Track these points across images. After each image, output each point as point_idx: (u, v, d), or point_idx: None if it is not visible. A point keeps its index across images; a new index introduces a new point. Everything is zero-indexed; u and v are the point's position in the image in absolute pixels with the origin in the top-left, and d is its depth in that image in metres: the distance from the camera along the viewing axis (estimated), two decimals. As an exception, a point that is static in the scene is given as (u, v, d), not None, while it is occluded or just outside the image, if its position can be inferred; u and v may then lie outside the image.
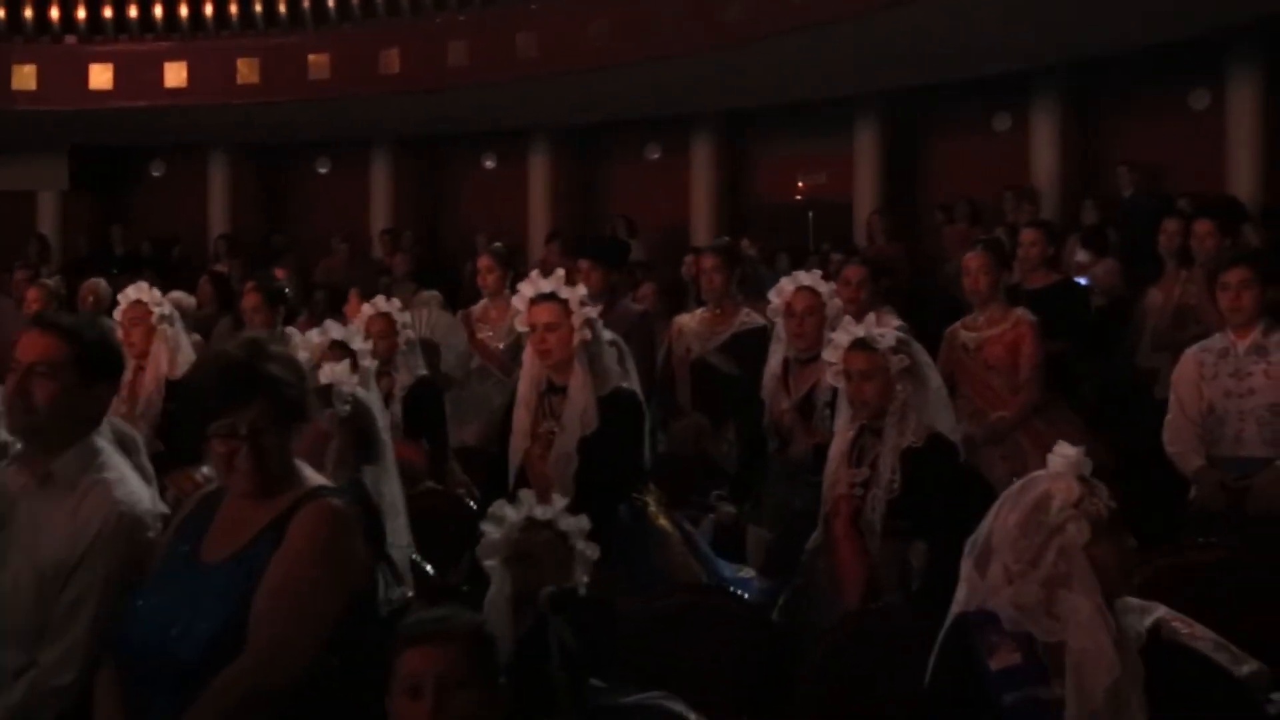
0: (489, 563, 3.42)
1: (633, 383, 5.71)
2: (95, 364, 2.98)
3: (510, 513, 3.42)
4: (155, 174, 16.04)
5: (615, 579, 4.39)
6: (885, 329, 4.25)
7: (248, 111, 12.95)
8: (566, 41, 11.66)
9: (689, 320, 6.69)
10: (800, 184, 14.85)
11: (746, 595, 4.46)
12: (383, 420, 4.08)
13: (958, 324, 6.07)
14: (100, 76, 12.32)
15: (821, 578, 4.13)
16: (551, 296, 4.61)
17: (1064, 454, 2.65)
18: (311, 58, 12.22)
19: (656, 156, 15.19)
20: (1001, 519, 2.65)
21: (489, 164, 15.77)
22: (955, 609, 2.68)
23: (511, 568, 3.39)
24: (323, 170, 16.04)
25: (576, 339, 4.56)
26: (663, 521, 4.70)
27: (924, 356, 4.20)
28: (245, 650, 2.60)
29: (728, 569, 4.87)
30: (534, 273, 4.76)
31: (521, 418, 4.65)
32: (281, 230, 15.27)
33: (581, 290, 4.66)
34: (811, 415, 5.11)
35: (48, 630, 2.83)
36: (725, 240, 7.18)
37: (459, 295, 10.07)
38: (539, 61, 11.72)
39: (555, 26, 11.80)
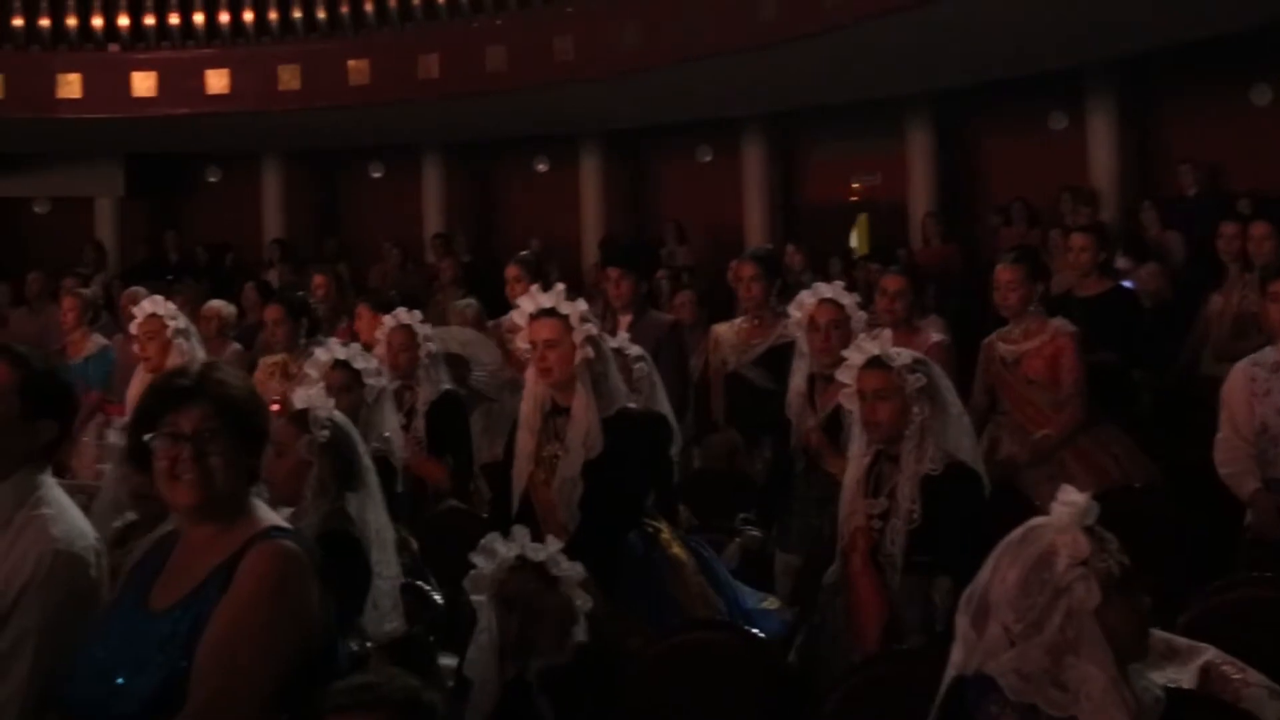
0: (476, 598, 3.23)
1: (657, 400, 5.54)
2: (40, 396, 2.82)
3: (501, 548, 3.23)
4: (211, 180, 16.06)
5: (623, 612, 4.20)
6: (901, 348, 4.01)
7: (292, 118, 12.88)
8: (603, 44, 11.47)
9: (726, 330, 6.48)
10: (854, 185, 14.56)
11: (767, 629, 4.24)
12: (364, 445, 3.88)
13: (994, 336, 5.80)
14: (143, 84, 12.30)
15: (839, 616, 3.89)
16: (551, 312, 4.41)
17: (1069, 501, 2.38)
18: (351, 63, 12.12)
19: (708, 159, 14.95)
20: (1000, 573, 2.40)
21: (541, 168, 15.61)
22: (952, 670, 2.43)
23: (498, 609, 3.21)
24: (376, 175, 15.97)
25: (578, 357, 4.35)
26: (676, 549, 4.49)
27: (944, 379, 3.95)
28: (184, 709, 2.42)
29: (751, 599, 4.65)
30: (533, 288, 4.55)
31: (524, 441, 4.46)
32: (335, 236, 15.21)
33: (582, 305, 4.45)
34: (839, 435, 4.88)
35: None
36: (765, 248, 6.97)
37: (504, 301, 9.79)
38: (576, 65, 11.54)
39: (591, 29, 11.62)
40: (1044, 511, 4.06)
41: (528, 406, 4.50)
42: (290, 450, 3.63)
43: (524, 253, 7.80)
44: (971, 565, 3.33)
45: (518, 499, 4.44)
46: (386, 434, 5.00)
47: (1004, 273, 5.67)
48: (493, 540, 3.23)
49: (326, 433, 3.68)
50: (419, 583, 4.43)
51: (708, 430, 6.42)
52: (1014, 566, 2.37)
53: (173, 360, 5.76)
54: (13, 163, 14.81)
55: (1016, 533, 2.43)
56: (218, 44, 12.33)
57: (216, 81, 12.21)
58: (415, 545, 5.05)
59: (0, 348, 2.88)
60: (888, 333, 4.12)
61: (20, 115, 12.33)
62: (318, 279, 9.49)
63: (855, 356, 3.95)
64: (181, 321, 5.81)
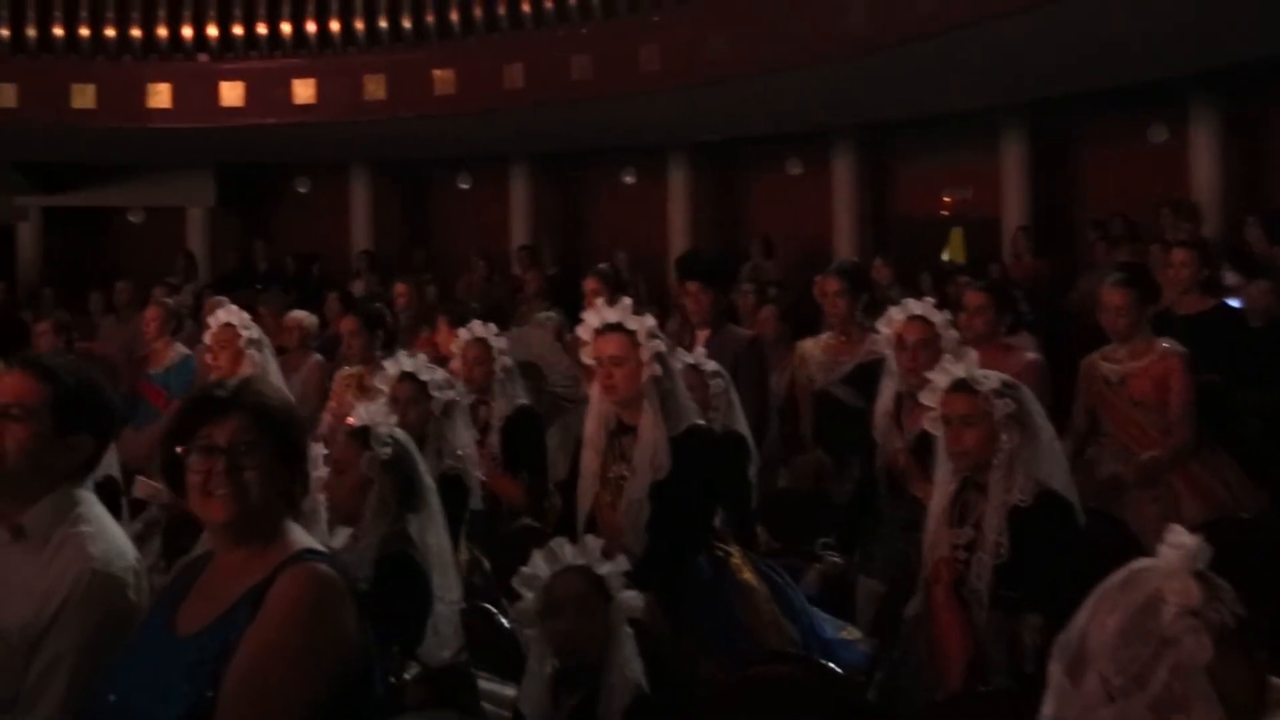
0: (527, 632, 3.07)
1: (734, 419, 5.35)
2: (74, 411, 2.71)
3: (544, 569, 3.07)
4: (301, 190, 16.14)
5: (691, 642, 4.03)
6: (990, 370, 3.78)
7: (378, 127, 12.88)
8: (688, 53, 11.31)
9: (812, 347, 6.29)
10: (945, 199, 14.27)
11: (846, 660, 4.04)
12: (424, 463, 3.73)
13: (1096, 355, 5.54)
14: (231, 94, 12.37)
15: (920, 651, 3.68)
16: (618, 327, 4.22)
17: (1178, 543, 2.13)
18: (436, 73, 12.07)
19: (798, 172, 14.74)
20: (1099, 619, 2.15)
21: (629, 179, 15.50)
22: (1044, 724, 2.21)
23: (547, 626, 3.05)
24: (464, 186, 15.95)
25: (645, 374, 4.17)
26: (747, 575, 4.30)
27: (1034, 403, 3.72)
28: None
29: (829, 627, 4.44)
30: (598, 301, 4.37)
31: (589, 461, 4.29)
32: (423, 247, 15.21)
33: (650, 321, 4.27)
34: (927, 457, 4.65)
35: (17, 703, 2.55)
36: (850, 262, 6.75)
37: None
38: (661, 74, 11.39)
39: (676, 38, 11.47)
40: (1144, 537, 3.82)
41: (592, 425, 4.33)
42: (351, 468, 3.51)
43: (603, 265, 7.65)
44: (1063, 603, 3.12)
45: (583, 521, 4.28)
46: (460, 451, 4.85)
47: (1113, 295, 5.41)
48: (534, 563, 3.07)
49: (388, 450, 3.55)
50: (487, 605, 4.28)
51: (795, 450, 6.23)
52: (1115, 613, 2.12)
53: (244, 371, 5.67)
54: (108, 173, 15.02)
55: (1118, 575, 2.18)
56: (304, 54, 12.36)
57: (303, 91, 12.23)
58: (488, 565, 4.92)
59: (30, 362, 2.77)
60: (974, 354, 3.90)
61: (112, 125, 12.43)
62: (399, 288, 9.44)
63: (940, 378, 3.73)
64: (255, 332, 5.73)
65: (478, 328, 5.97)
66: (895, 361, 4.88)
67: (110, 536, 2.73)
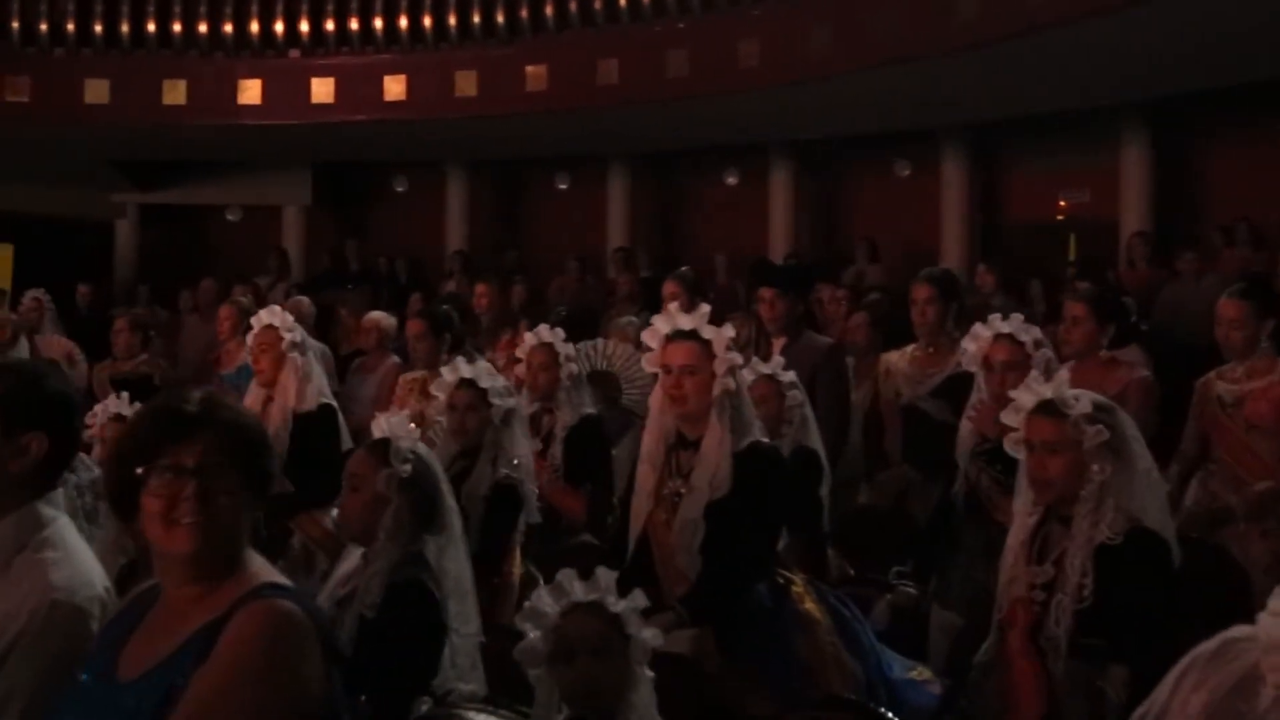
0: (532, 673, 2.74)
1: (808, 433, 4.98)
2: (22, 408, 2.50)
3: (550, 605, 2.74)
4: (398, 190, 16.03)
5: (743, 677, 3.67)
6: (1084, 391, 3.36)
7: (473, 125, 12.68)
8: (789, 49, 10.89)
9: (898, 359, 5.89)
10: (1061, 203, 13.68)
11: (915, 703, 3.67)
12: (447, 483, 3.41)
13: (1212, 374, 5.07)
14: (322, 90, 12.24)
15: (991, 701, 3.27)
16: (693, 335, 3.88)
17: (1280, 614, 1.74)
18: (529, 69, 11.81)
19: (906, 174, 14.25)
20: (1183, 695, 1.76)
21: (731, 180, 15.12)
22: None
23: (557, 671, 2.71)
24: (562, 186, 15.71)
25: (718, 388, 3.82)
26: (810, 605, 3.91)
27: (1131, 429, 3.29)
28: None
29: (898, 667, 4.04)
30: (671, 305, 4.03)
31: (646, 476, 3.94)
32: (517, 248, 14.99)
33: (729, 331, 3.92)
34: (1013, 478, 4.24)
35: None
36: (942, 269, 6.31)
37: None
38: (761, 71, 10.98)
39: (777, 33, 11.05)
40: (1252, 576, 3.37)
41: (651, 438, 3.98)
42: (366, 484, 3.21)
43: (683, 269, 7.29)
44: (1152, 655, 2.75)
45: (634, 540, 3.94)
46: (516, 459, 4.56)
47: (1228, 308, 4.95)
48: (539, 598, 2.73)
49: (408, 467, 3.24)
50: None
51: (879, 466, 5.83)
52: (1202, 689, 1.72)
53: (286, 376, 5.42)
54: (206, 170, 15.04)
55: (1210, 644, 1.78)
56: (396, 49, 12.18)
57: (394, 88, 12.06)
58: (541, 584, 4.62)
59: None
60: (1065, 373, 3.48)
61: (202, 121, 12.39)
62: (480, 289, 9.18)
63: (1024, 398, 3.32)
64: (298, 334, 5.45)
65: (544, 332, 5.67)
66: (984, 382, 4.48)
67: (77, 562, 2.48)
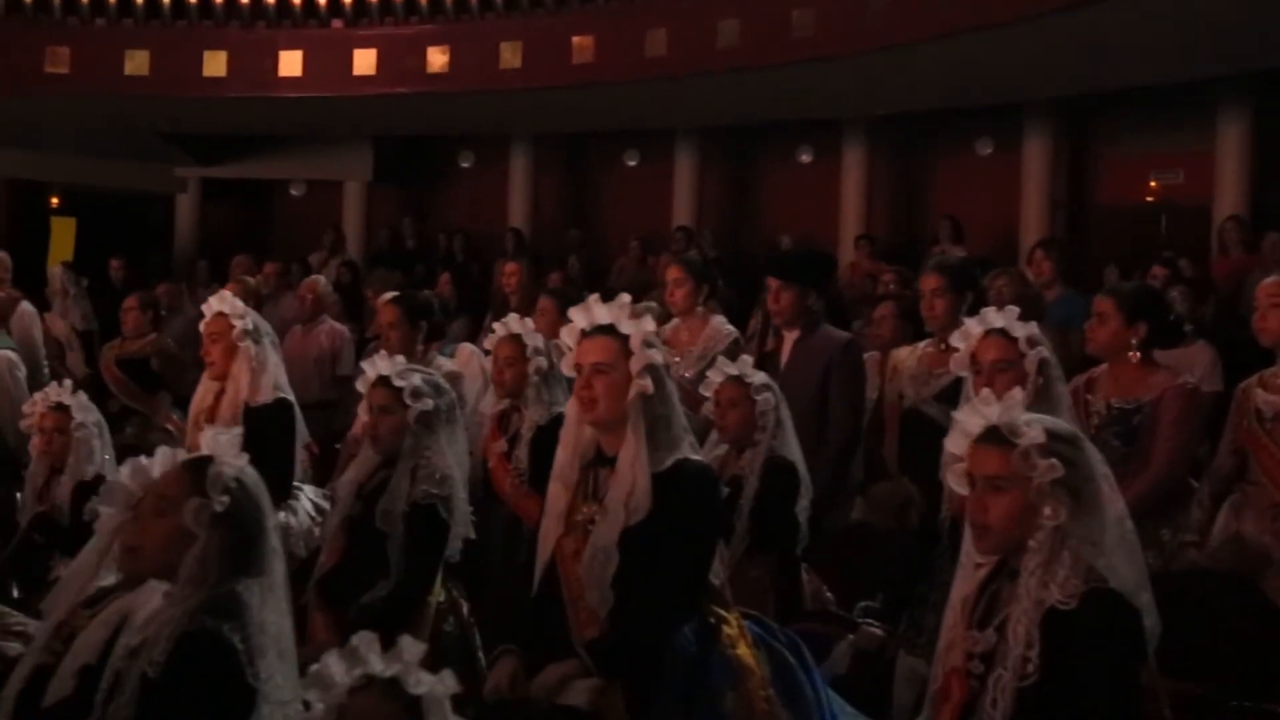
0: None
1: (785, 441, 4.42)
2: None
3: (341, 676, 2.22)
4: (464, 165, 15.64)
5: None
6: (1043, 416, 2.76)
7: (537, 98, 12.19)
8: (849, 18, 10.17)
9: (907, 356, 5.30)
10: (1151, 184, 12.85)
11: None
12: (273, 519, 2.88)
13: (1253, 379, 4.41)
14: (364, 62, 11.82)
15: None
16: (608, 330, 3.35)
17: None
18: (575, 39, 11.24)
19: (989, 152, 13.50)
20: None
21: (805, 158, 14.48)
22: None
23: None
24: (631, 163, 15.19)
25: (633, 390, 3.28)
26: (743, 650, 3.35)
27: (1098, 467, 2.67)
28: None
29: (846, 721, 3.48)
30: (591, 298, 3.50)
31: (556, 495, 3.42)
32: (580, 226, 14.53)
33: (648, 325, 3.37)
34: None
35: None
36: (953, 257, 5.68)
37: (752, 301, 8.67)
38: (815, 40, 10.30)
39: (834, 1, 10.35)
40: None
41: (564, 451, 3.46)
42: (174, 510, 2.71)
43: (690, 253, 6.73)
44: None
45: (539, 572, 3.42)
46: (440, 473, 4.05)
47: (1269, 291, 4.31)
48: (327, 663, 2.22)
49: (226, 499, 2.72)
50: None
51: (877, 476, 5.23)
52: None
53: (238, 367, 4.99)
54: (270, 144, 14.80)
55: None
56: (440, 19, 11.73)
57: (437, 59, 11.60)
58: (466, 610, 4.13)
59: None
60: (1017, 391, 2.87)
61: (242, 94, 12.07)
62: (508, 267, 8.70)
63: (970, 421, 2.73)
64: (249, 322, 5.02)
65: (513, 323, 5.17)
66: (971, 388, 3.88)
67: None
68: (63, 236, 15.77)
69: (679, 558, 3.29)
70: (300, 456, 5.28)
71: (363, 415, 4.23)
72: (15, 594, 4.73)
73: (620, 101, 12.13)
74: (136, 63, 11.74)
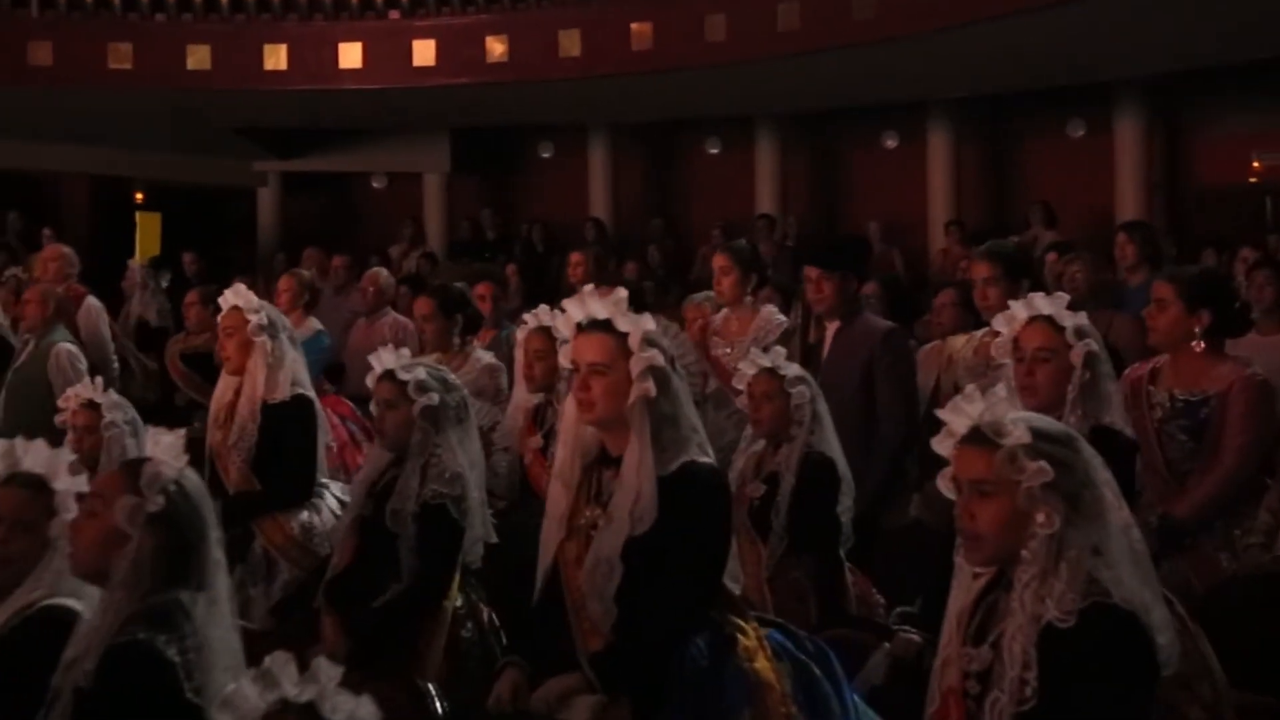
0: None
1: (823, 436, 4.17)
2: None
3: (255, 700, 2.03)
4: (544, 156, 15.51)
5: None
6: (1033, 414, 2.50)
7: (622, 85, 12.02)
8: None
9: (963, 346, 5.02)
10: (1255, 164, 12.33)
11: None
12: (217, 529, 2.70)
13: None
14: (423, 52, 11.71)
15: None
16: (605, 326, 3.13)
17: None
18: (634, 26, 11.03)
19: (1080, 133, 13.06)
20: None
21: (890, 143, 14.14)
22: None
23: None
24: (714, 151, 14.94)
25: (634, 393, 3.07)
26: (761, 663, 3.11)
27: (1097, 471, 2.40)
28: None
29: (869, 741, 3.23)
30: (585, 289, 3.29)
31: (558, 497, 3.20)
32: (662, 215, 14.33)
33: (648, 322, 3.14)
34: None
35: None
36: (1008, 242, 5.35)
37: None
38: (877, 22, 9.97)
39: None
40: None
41: (564, 451, 3.24)
42: (108, 510, 2.55)
43: (739, 240, 6.48)
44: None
45: (543, 580, 3.22)
46: (450, 472, 3.87)
47: None
48: (241, 687, 2.03)
49: (161, 500, 2.56)
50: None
51: (933, 472, 4.94)
52: None
53: (254, 363, 4.85)
54: (352, 137, 14.80)
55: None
56: (498, 9, 11.59)
57: (496, 48, 11.47)
58: (487, 615, 3.95)
59: None
60: (1001, 388, 2.61)
61: (303, 87, 12.04)
62: (574, 257, 8.54)
63: (955, 420, 2.48)
64: (264, 316, 4.87)
65: (543, 314, 4.97)
66: (1013, 375, 3.61)
67: None
68: (148, 232, 15.95)
69: (686, 566, 3.06)
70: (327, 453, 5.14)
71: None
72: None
73: (689, 89, 11.92)
74: (198, 57, 11.76)
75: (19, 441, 2.92)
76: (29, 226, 12.82)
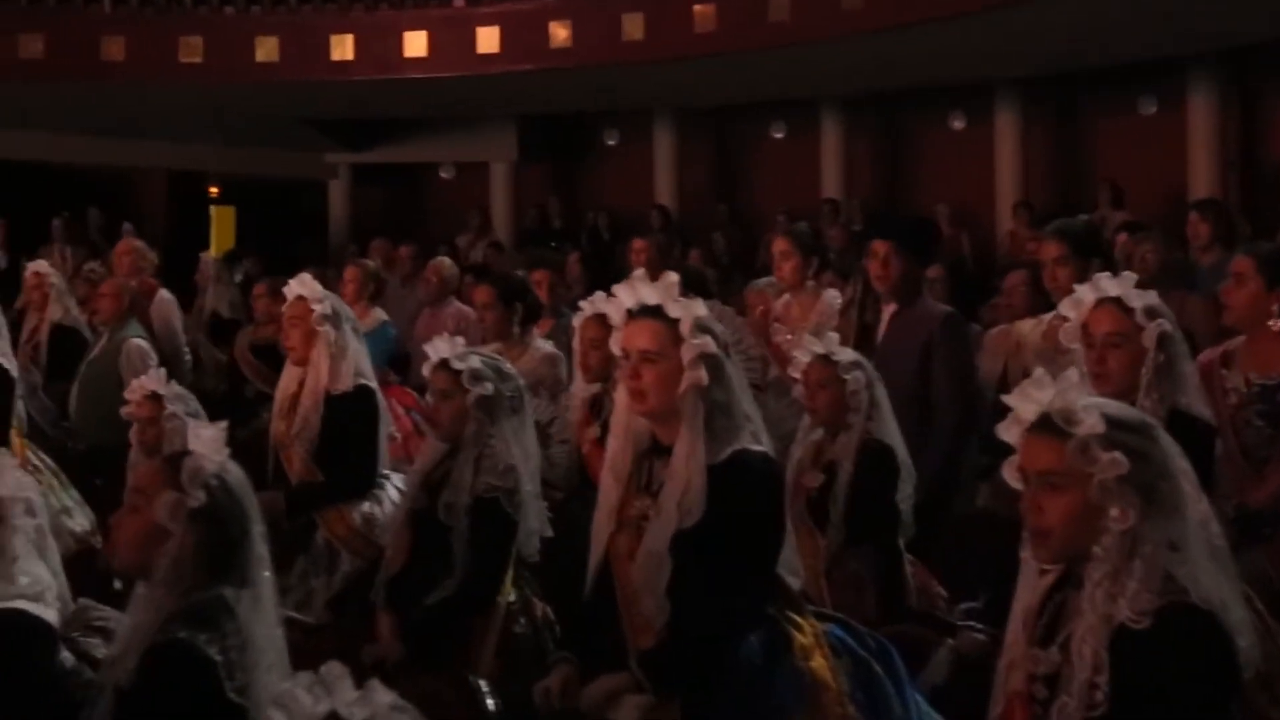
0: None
1: (882, 422, 4.08)
2: None
3: (306, 702, 1.99)
4: (610, 143, 15.46)
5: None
6: (1107, 400, 2.39)
7: (688, 69, 11.92)
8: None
9: (1031, 330, 4.90)
10: (1335, 139, 12.01)
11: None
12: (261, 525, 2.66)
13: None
14: (487, 40, 11.68)
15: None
16: (656, 312, 3.05)
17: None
18: (696, 9, 10.92)
19: (1152, 111, 12.77)
20: None
21: (957, 124, 13.93)
22: None
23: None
24: (778, 135, 14.81)
25: (686, 382, 2.99)
26: (818, 662, 3.03)
27: (1175, 460, 2.28)
28: None
29: (934, 745, 3.14)
30: (636, 273, 3.21)
31: (608, 490, 3.13)
32: (726, 202, 14.23)
33: (699, 307, 3.07)
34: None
35: None
36: (1078, 220, 5.19)
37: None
38: (939, 1, 9.76)
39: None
40: None
41: (616, 442, 3.18)
42: (150, 505, 2.53)
43: (799, 224, 6.37)
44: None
45: (593, 574, 3.16)
46: (504, 464, 3.83)
47: None
48: (293, 693, 1.99)
49: (203, 495, 2.53)
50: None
51: (1003, 459, 4.83)
52: None
53: (318, 353, 4.83)
54: (420, 128, 14.85)
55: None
56: (565, -6, 11.63)
57: (559, 33, 11.41)
58: (541, 610, 3.90)
59: None
60: (1073, 372, 2.49)
61: (369, 76, 12.07)
62: (637, 244, 8.49)
63: (1023, 407, 2.37)
64: (328, 306, 4.86)
65: (599, 302, 4.91)
66: (1083, 360, 3.49)
67: None
68: (223, 226, 16.12)
69: (738, 558, 2.99)
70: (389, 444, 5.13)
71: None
72: (117, 586, 4.71)
73: (753, 71, 11.81)
74: (266, 49, 11.83)
75: None
76: (110, 222, 13.03)
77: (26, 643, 2.62)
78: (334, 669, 2.04)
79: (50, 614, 2.65)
